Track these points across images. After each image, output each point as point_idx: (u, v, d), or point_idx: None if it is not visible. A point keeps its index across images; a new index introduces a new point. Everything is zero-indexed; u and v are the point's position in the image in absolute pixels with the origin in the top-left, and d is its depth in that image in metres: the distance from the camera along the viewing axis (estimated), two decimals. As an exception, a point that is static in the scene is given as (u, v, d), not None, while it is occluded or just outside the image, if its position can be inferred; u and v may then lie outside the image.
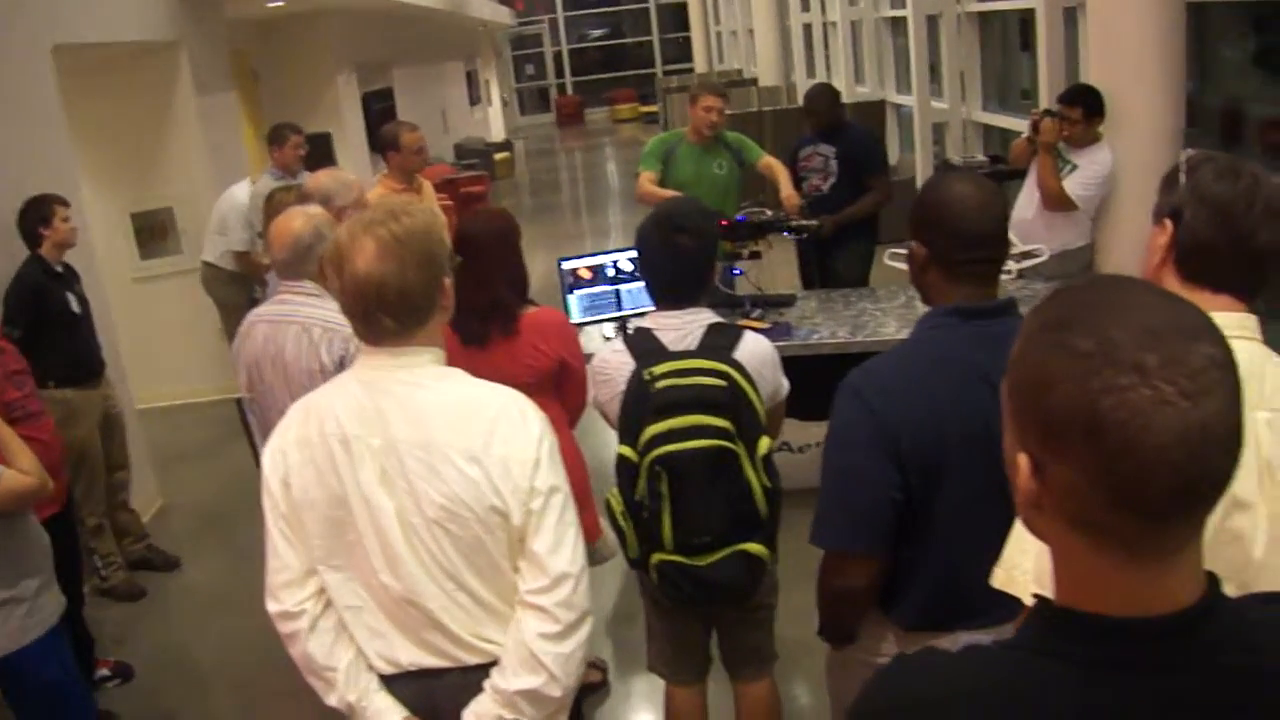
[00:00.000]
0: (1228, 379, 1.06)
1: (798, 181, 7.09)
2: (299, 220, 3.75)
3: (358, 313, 2.25)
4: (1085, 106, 5.82)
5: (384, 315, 2.21)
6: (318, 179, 4.63)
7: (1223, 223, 1.94)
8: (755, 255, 5.67)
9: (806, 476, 2.48)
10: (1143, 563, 1.10)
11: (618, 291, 5.65)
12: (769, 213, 5.71)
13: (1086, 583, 1.14)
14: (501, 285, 3.66)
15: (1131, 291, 1.13)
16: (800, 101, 8.83)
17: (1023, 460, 1.14)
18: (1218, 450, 1.05)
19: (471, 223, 3.88)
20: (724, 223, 5.41)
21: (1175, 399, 1.03)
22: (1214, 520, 1.73)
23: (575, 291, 5.63)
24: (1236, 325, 1.87)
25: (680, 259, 3.22)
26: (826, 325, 5.74)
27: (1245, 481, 1.78)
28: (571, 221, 18.23)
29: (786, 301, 6.15)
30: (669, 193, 6.07)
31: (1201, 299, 1.16)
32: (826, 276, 7.26)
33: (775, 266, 5.87)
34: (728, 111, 6.68)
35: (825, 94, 7.48)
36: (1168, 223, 2.01)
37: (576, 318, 5.53)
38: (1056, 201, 5.86)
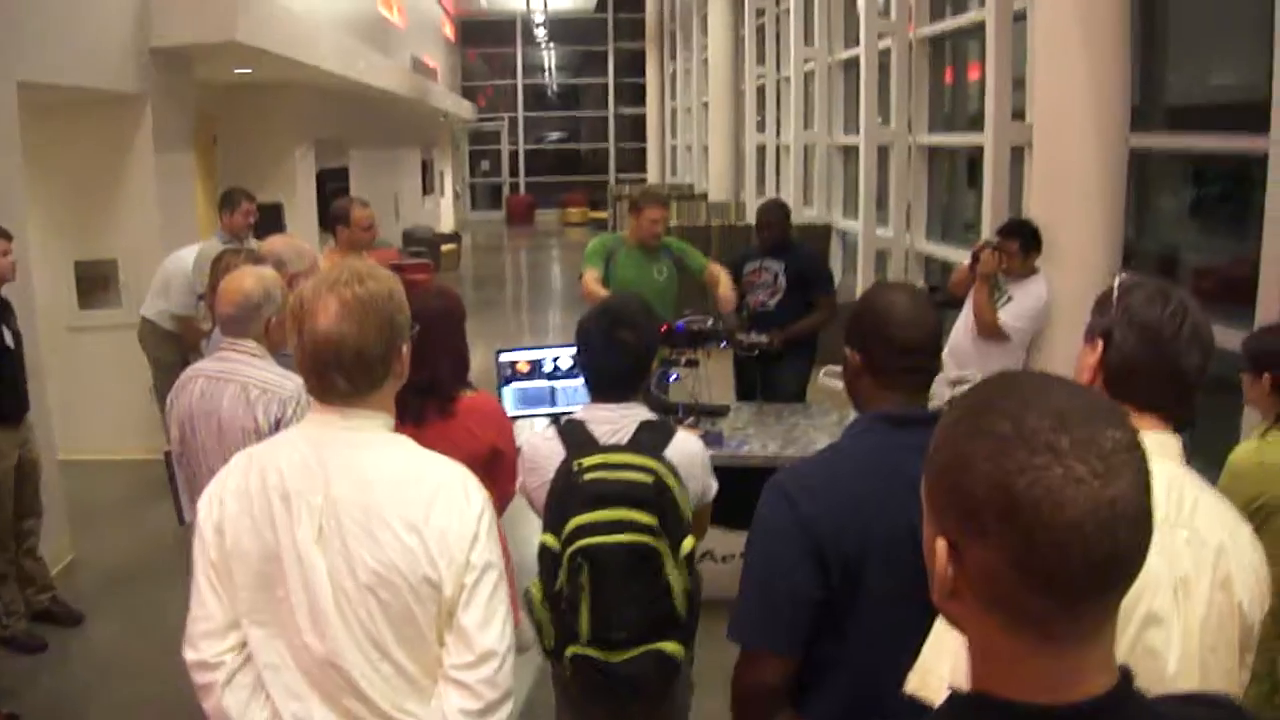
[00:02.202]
0: (1136, 460, 1.13)
1: (742, 296, 7.19)
2: (250, 279, 3.77)
3: (313, 370, 2.25)
4: (1022, 239, 6.00)
5: (339, 375, 2.22)
6: (272, 244, 4.66)
7: (1150, 344, 2.04)
8: (692, 363, 5.70)
9: (729, 586, 2.49)
10: (1056, 646, 1.14)
11: (553, 388, 5.66)
12: (710, 322, 5.78)
13: (1000, 668, 1.18)
14: (442, 364, 3.65)
15: (1045, 381, 1.21)
16: (748, 219, 8.97)
17: (940, 545, 1.19)
18: (1128, 527, 1.10)
19: (417, 299, 3.88)
20: (663, 328, 5.47)
21: (1087, 478, 1.09)
22: (1129, 635, 1.79)
23: (511, 384, 5.64)
24: (1158, 445, 1.94)
25: (620, 354, 3.28)
26: (758, 437, 5.81)
27: (1161, 598, 1.84)
28: (512, 318, 18.29)
29: (720, 411, 6.21)
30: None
31: None
32: (766, 390, 7.33)
33: (712, 376, 5.93)
34: (677, 223, 6.77)
35: (778, 210, 7.64)
36: (1098, 342, 2.10)
37: (511, 411, 5.53)
38: (990, 330, 6.01)
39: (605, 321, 3.32)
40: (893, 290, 2.61)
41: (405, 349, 2.35)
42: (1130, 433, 1.15)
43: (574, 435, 3.27)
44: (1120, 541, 1.10)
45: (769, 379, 7.33)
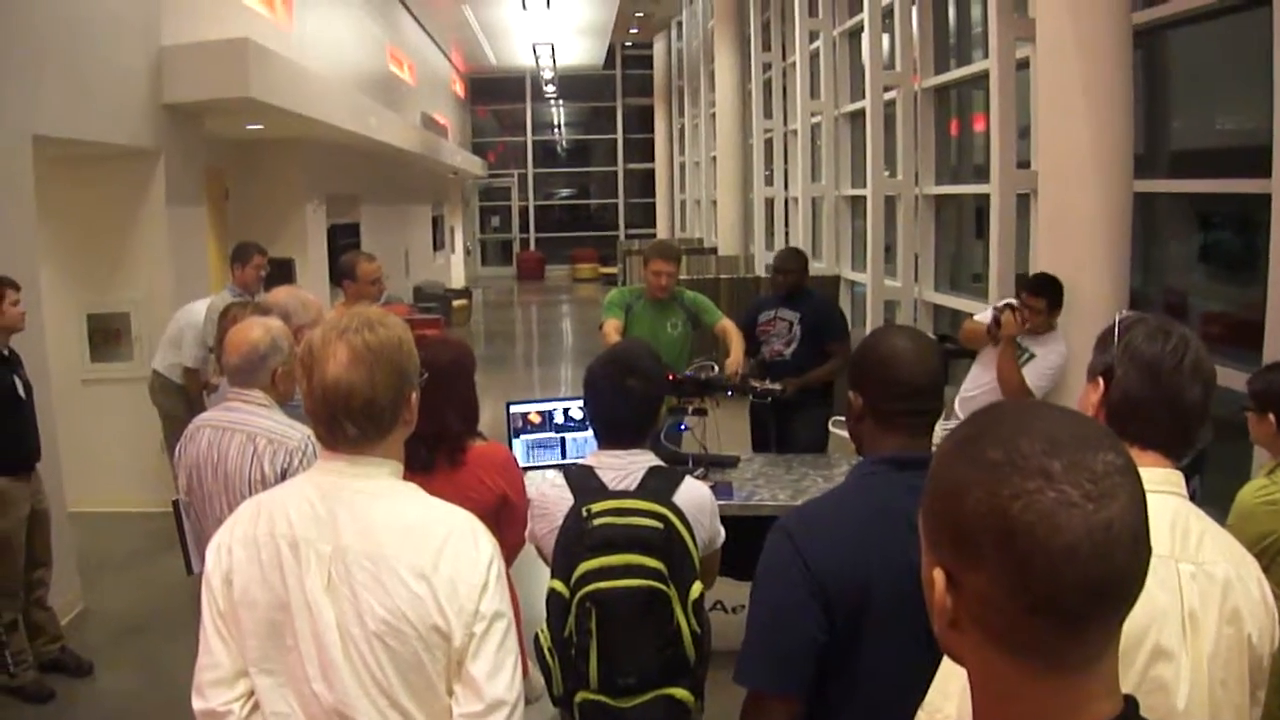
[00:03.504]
0: (1129, 484, 1.13)
1: (757, 346, 7.21)
2: (257, 330, 3.79)
3: (323, 417, 2.24)
4: (1050, 298, 5.98)
5: (348, 422, 2.22)
6: (278, 295, 4.68)
7: (1152, 379, 2.04)
8: (700, 413, 5.67)
9: (738, 637, 2.47)
10: (1058, 673, 1.14)
11: (563, 439, 5.68)
12: (716, 370, 5.78)
13: (1003, 699, 1.17)
14: (451, 414, 3.64)
15: (1038, 409, 1.21)
16: (758, 272, 8.98)
17: (938, 575, 1.18)
18: (1123, 549, 1.10)
19: (426, 349, 3.89)
20: (670, 377, 5.46)
21: (1080, 501, 1.09)
22: (1137, 668, 1.78)
23: (521, 436, 5.65)
24: (1161, 480, 1.94)
25: (627, 400, 3.28)
26: (768, 488, 5.79)
27: (1169, 632, 1.83)
28: (523, 373, 18.35)
29: (730, 462, 6.19)
30: (627, 343, 6.11)
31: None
32: (783, 440, 7.30)
33: (725, 426, 5.91)
34: (685, 276, 6.75)
35: (796, 257, 7.73)
36: (1100, 380, 2.11)
37: (521, 462, 5.53)
38: (1016, 392, 5.93)
39: (613, 368, 3.33)
40: (894, 333, 2.61)
41: (414, 397, 2.35)
42: (1123, 456, 1.15)
43: (582, 481, 3.27)
44: (1117, 564, 1.10)
45: (784, 428, 7.31)
